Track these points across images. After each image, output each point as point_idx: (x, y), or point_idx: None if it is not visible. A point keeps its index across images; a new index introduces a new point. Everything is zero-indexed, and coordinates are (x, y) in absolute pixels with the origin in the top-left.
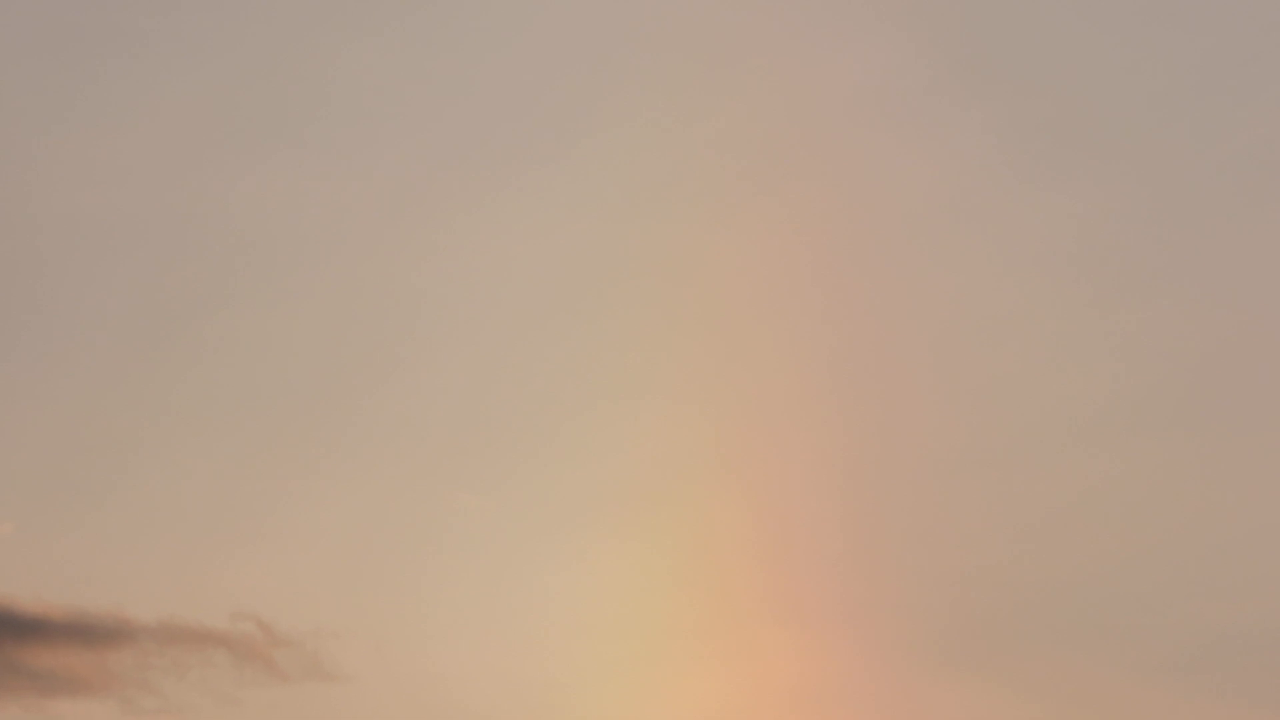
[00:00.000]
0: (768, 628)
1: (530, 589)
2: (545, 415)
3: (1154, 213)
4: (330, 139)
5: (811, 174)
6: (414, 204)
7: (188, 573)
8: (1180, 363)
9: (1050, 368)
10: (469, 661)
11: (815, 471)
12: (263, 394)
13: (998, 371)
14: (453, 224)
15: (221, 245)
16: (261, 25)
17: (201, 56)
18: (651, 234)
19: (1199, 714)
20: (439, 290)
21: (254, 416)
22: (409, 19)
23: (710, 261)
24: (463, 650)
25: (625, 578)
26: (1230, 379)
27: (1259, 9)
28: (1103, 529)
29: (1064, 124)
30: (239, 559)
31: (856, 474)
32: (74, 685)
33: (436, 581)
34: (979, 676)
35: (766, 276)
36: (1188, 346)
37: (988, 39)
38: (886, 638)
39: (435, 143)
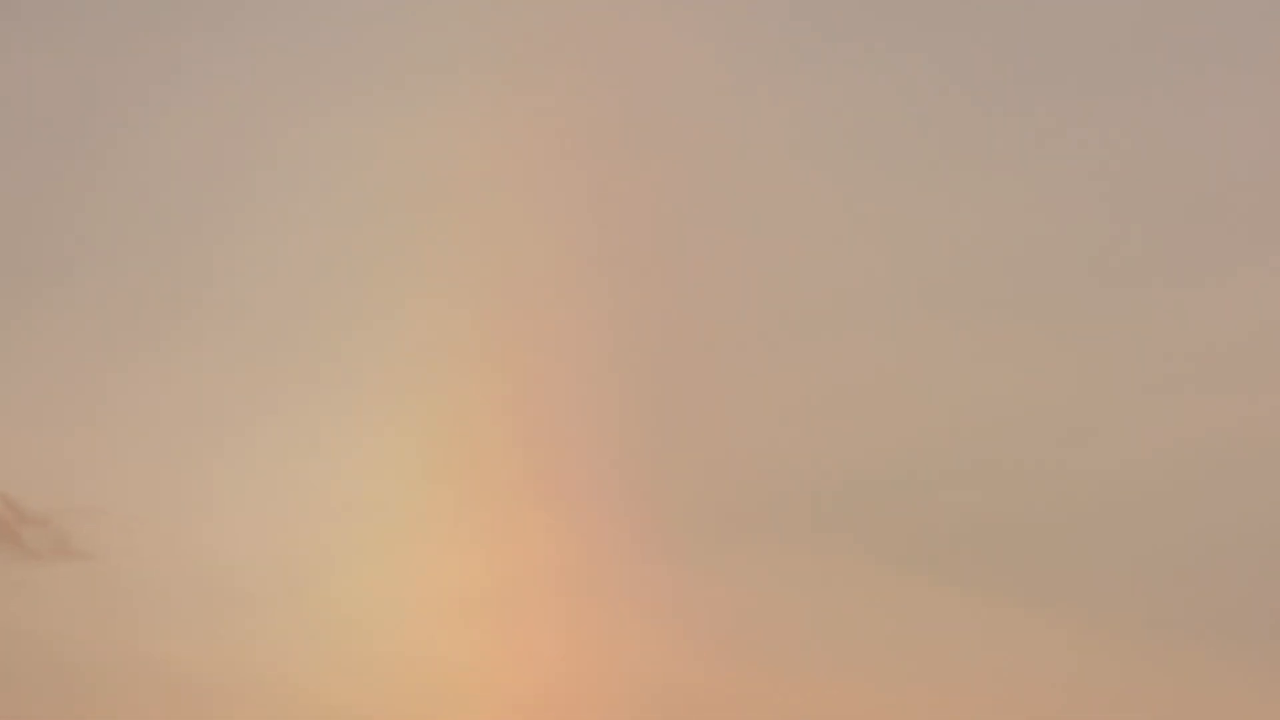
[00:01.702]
0: (529, 510)
1: (289, 472)
2: (308, 304)
3: (949, 96)
4: None
5: (571, 58)
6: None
7: None
8: (963, 251)
9: (831, 251)
10: (225, 542)
11: (578, 356)
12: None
13: (779, 252)
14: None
15: None
16: None
17: None
18: (411, 123)
19: (949, 603)
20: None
21: (25, 287)
22: None
23: (468, 150)
24: (219, 531)
25: (386, 462)
26: (1013, 269)
27: None
28: (872, 416)
29: (825, 7)
30: None
31: (621, 358)
32: None
33: (193, 461)
34: (736, 562)
35: (529, 164)
36: (975, 234)
37: None
38: (649, 522)
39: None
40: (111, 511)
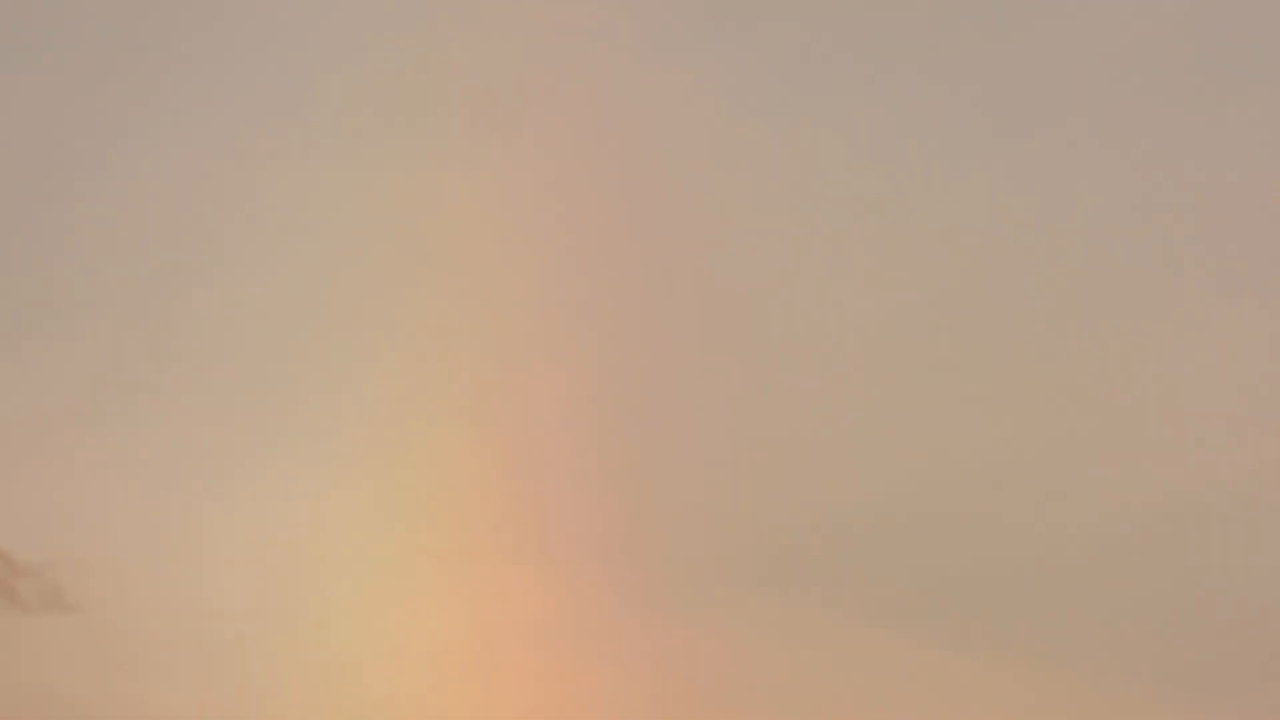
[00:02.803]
0: (508, 565)
1: (272, 523)
2: (285, 353)
3: (926, 149)
4: None
5: (557, 107)
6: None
7: None
8: (936, 303)
9: (806, 308)
10: (209, 594)
11: (558, 415)
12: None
13: (755, 306)
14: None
15: None
16: None
17: None
18: (390, 171)
19: (920, 656)
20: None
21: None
22: None
23: (450, 201)
24: (204, 583)
25: (367, 514)
26: (987, 322)
27: None
28: (843, 470)
29: (815, 55)
30: None
31: (600, 419)
32: None
33: (178, 512)
34: (713, 614)
35: (510, 215)
36: (950, 287)
37: None
38: (626, 575)
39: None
40: (101, 563)
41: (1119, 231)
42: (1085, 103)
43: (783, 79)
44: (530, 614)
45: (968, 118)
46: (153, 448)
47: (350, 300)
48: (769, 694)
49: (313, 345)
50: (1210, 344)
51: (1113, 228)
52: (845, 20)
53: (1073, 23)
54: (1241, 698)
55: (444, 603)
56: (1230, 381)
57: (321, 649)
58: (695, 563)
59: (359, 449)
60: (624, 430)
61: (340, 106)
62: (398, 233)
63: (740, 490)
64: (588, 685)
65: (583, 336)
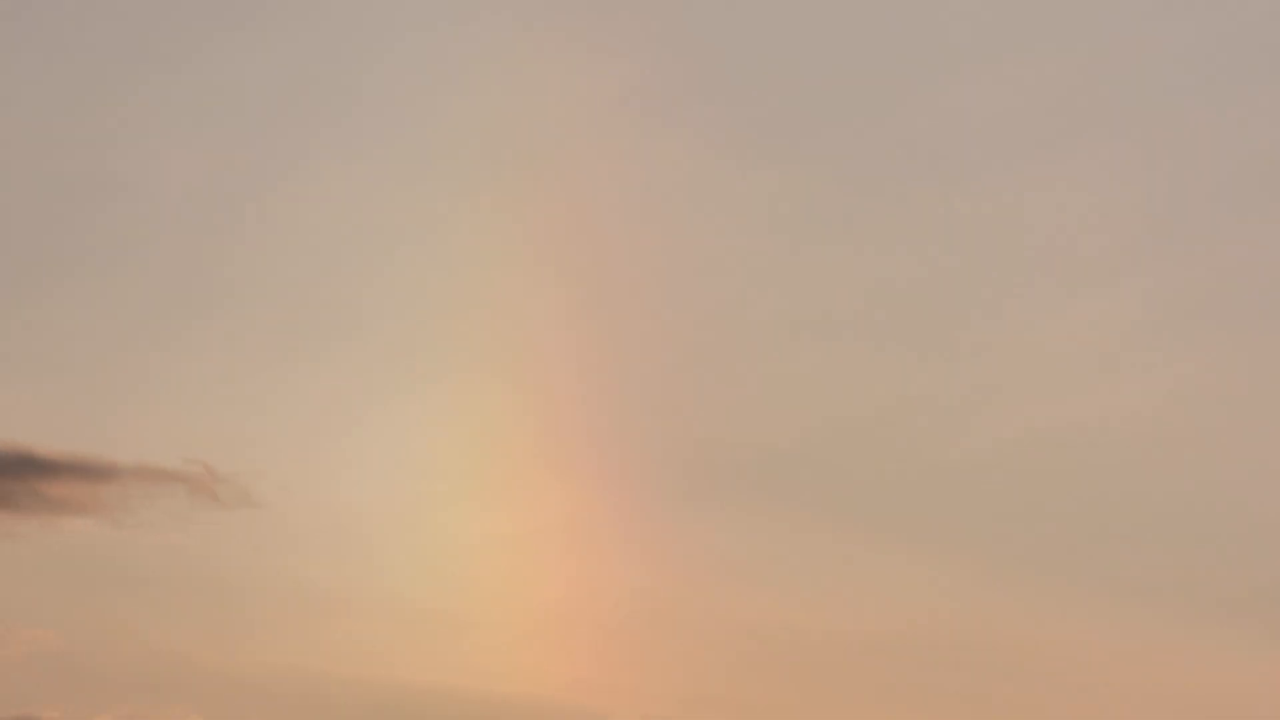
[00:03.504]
0: (543, 476)
1: (393, 448)
2: (395, 320)
3: (845, 181)
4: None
5: (582, 158)
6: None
7: (156, 427)
8: (862, 292)
9: (767, 293)
10: (351, 497)
11: (577, 369)
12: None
13: (730, 293)
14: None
15: None
16: None
17: None
18: (458, 198)
19: (849, 540)
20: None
21: (215, 310)
22: None
23: (497, 223)
24: (348, 489)
25: (453, 443)
26: (907, 304)
27: None
28: (795, 410)
29: (774, 117)
30: (193, 416)
31: (610, 366)
32: (76, 508)
33: (331, 438)
34: (697, 515)
35: (545, 235)
36: (873, 280)
37: (716, 51)
38: (636, 487)
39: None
40: (277, 474)
41: (991, 245)
42: (955, 162)
43: (748, 137)
44: (561, 515)
45: (875, 169)
46: (314, 393)
47: (445, 307)
48: (749, 577)
49: (416, 339)
50: (1062, 319)
51: (986, 243)
52: (799, 95)
53: (944, 108)
54: (1106, 576)
55: (499, 506)
56: (1081, 346)
57: (423, 535)
58: (690, 476)
59: (447, 398)
60: (636, 377)
61: (446, 164)
62: (471, 255)
63: (724, 421)
64: (604, 568)
65: (601, 320)
